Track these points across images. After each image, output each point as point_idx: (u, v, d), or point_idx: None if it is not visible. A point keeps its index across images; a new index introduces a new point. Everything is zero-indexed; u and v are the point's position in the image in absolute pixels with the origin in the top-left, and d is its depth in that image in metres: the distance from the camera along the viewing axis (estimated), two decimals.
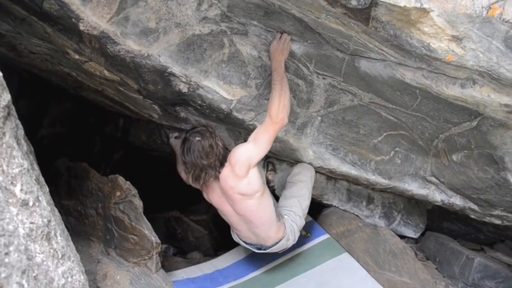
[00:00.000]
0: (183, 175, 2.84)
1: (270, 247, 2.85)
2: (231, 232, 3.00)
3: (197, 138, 2.53)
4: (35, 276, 1.48)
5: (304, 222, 3.00)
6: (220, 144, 2.57)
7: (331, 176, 3.36)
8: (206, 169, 2.56)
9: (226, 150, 2.60)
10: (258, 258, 3.27)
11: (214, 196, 2.74)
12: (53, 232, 1.76)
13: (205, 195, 2.83)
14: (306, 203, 3.03)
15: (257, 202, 2.65)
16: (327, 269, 3.18)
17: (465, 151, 2.67)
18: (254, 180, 2.60)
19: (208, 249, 3.97)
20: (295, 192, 3.00)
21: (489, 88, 2.03)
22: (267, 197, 2.71)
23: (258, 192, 2.63)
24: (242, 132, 3.00)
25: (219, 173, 2.59)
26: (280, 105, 2.47)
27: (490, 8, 1.69)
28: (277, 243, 2.82)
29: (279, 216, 2.80)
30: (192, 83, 2.55)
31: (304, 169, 3.07)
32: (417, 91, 2.41)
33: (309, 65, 2.63)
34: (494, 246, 3.76)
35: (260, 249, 2.89)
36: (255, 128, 2.81)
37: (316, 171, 3.18)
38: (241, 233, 2.85)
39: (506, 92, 1.99)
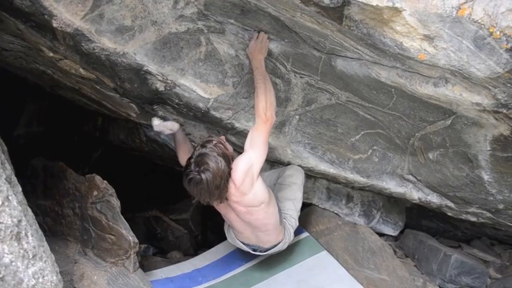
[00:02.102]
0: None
1: (267, 249, 2.88)
2: (226, 232, 2.98)
3: (206, 175, 2.39)
4: (1, 278, 1.46)
5: (297, 224, 3.03)
6: (225, 164, 2.43)
7: (311, 175, 3.37)
8: (212, 197, 2.48)
9: (230, 165, 2.50)
10: (238, 257, 3.27)
11: (219, 205, 2.67)
12: (23, 232, 1.74)
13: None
14: (300, 205, 3.06)
15: (263, 211, 2.63)
16: (306, 267, 3.20)
17: (441, 149, 2.70)
18: (259, 192, 2.57)
19: (188, 249, 3.96)
20: (290, 195, 3.02)
21: (461, 87, 2.06)
22: (273, 205, 2.70)
23: (263, 202, 2.61)
24: (221, 130, 2.99)
25: (226, 199, 2.55)
26: (267, 102, 2.46)
27: (460, 8, 1.72)
28: (275, 246, 2.85)
29: (281, 220, 2.82)
30: (168, 81, 2.54)
31: (296, 171, 3.08)
32: (392, 90, 2.43)
33: (286, 63, 2.63)
34: (471, 243, 3.82)
35: (256, 250, 2.90)
36: (233, 126, 2.81)
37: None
38: (242, 235, 2.83)
39: (477, 91, 2.02)
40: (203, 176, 2.37)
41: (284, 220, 2.88)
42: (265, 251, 2.90)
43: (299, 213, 3.05)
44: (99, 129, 4.34)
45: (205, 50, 2.55)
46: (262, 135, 2.50)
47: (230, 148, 2.56)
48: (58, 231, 3.09)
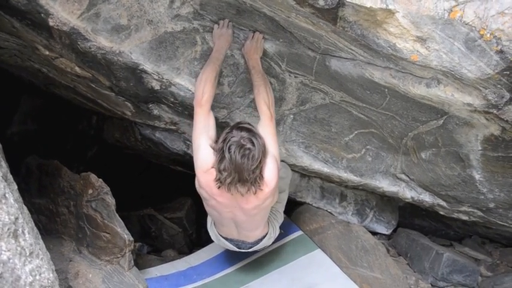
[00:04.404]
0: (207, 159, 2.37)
1: (251, 245, 2.78)
2: (210, 230, 2.90)
3: (250, 146, 2.20)
4: (0, 274, 1.47)
5: (283, 219, 3.00)
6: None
7: (305, 174, 3.39)
8: (245, 182, 2.26)
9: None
10: (232, 255, 3.28)
11: (220, 198, 2.44)
12: (20, 229, 1.75)
13: (204, 187, 2.46)
14: (286, 198, 3.04)
15: (264, 210, 2.55)
16: (300, 266, 3.22)
17: (433, 149, 2.74)
18: (277, 194, 2.52)
19: (182, 247, 3.96)
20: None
21: (453, 88, 2.09)
22: (273, 201, 2.59)
23: (272, 203, 2.56)
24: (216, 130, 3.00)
25: (254, 192, 2.32)
26: (269, 100, 2.47)
27: (452, 10, 1.75)
28: (259, 241, 2.77)
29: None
30: (164, 80, 2.55)
31: (283, 167, 3.06)
32: (386, 90, 2.46)
33: (281, 63, 2.65)
34: (463, 242, 3.87)
35: (240, 247, 2.81)
36: (228, 125, 2.82)
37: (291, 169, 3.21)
38: (227, 229, 2.70)
39: (469, 91, 2.06)
40: (255, 147, 2.20)
41: (270, 214, 2.78)
42: (249, 247, 2.79)
43: (284, 208, 3.01)
44: (94, 127, 4.34)
45: (200, 49, 2.56)
46: (273, 132, 2.43)
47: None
48: (53, 229, 3.08)
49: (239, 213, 2.51)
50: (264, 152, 2.25)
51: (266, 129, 2.42)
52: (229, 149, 2.19)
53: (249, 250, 2.84)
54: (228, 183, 2.26)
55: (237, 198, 2.38)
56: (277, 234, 2.92)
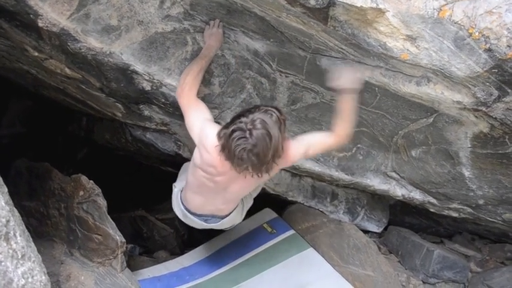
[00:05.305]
0: (210, 132, 2.27)
1: (220, 219, 2.66)
2: (176, 205, 2.75)
3: (264, 131, 2.07)
4: None
5: (252, 203, 2.90)
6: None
7: (296, 173, 3.41)
8: (259, 164, 2.14)
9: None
10: (224, 255, 3.29)
11: (222, 175, 2.34)
12: (12, 232, 1.73)
13: (210, 163, 2.32)
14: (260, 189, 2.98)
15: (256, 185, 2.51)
16: (292, 264, 3.23)
17: (423, 147, 2.76)
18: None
19: (174, 248, 3.95)
20: None
21: (442, 86, 2.11)
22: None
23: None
24: None
25: (259, 175, 2.22)
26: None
27: (441, 9, 1.77)
28: (229, 214, 2.66)
29: None
30: (155, 81, 2.55)
31: None
32: (376, 89, 2.48)
33: (271, 63, 2.66)
34: (453, 238, 3.91)
35: (208, 222, 2.67)
36: (220, 125, 2.82)
37: (281, 169, 3.22)
38: (198, 203, 2.58)
39: (458, 89, 2.08)
40: (264, 130, 2.07)
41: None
42: (218, 221, 2.67)
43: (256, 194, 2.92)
44: (84, 129, 4.30)
45: (191, 49, 2.56)
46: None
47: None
48: (43, 232, 3.06)
49: (237, 183, 2.41)
50: (280, 136, 2.14)
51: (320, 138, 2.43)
52: (250, 131, 2.07)
53: (216, 224, 2.70)
54: (244, 165, 2.13)
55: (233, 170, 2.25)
56: (243, 217, 2.83)
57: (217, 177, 2.38)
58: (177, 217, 2.87)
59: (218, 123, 2.78)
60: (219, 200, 2.56)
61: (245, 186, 2.48)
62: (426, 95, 2.21)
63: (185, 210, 2.69)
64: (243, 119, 2.09)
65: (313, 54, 2.49)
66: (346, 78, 2.30)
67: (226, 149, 2.12)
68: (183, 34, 2.51)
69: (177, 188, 2.80)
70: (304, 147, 2.37)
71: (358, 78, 2.32)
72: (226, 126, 2.16)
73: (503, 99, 2.02)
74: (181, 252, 3.71)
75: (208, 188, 2.47)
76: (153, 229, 4.09)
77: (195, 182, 2.50)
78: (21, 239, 1.77)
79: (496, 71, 1.88)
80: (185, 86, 2.41)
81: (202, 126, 2.33)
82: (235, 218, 2.77)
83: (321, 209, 3.64)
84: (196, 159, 2.40)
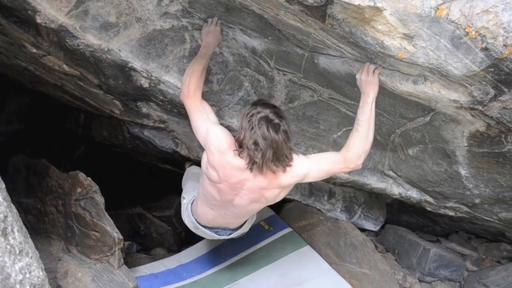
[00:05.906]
0: (225, 137, 2.28)
1: (231, 232, 2.71)
2: (186, 217, 2.76)
3: (279, 121, 2.11)
4: None
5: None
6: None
7: None
8: (279, 157, 2.15)
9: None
10: (222, 252, 3.30)
11: (230, 180, 2.32)
12: (9, 228, 1.74)
13: (216, 168, 2.31)
14: None
15: (270, 198, 2.45)
16: (289, 262, 3.25)
17: (420, 145, 2.77)
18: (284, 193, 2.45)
19: (171, 245, 3.97)
20: None
21: (439, 84, 2.12)
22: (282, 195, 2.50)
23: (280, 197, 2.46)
24: None
25: (272, 171, 2.22)
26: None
27: (438, 8, 1.77)
28: (239, 227, 2.71)
29: None
30: (153, 78, 2.55)
31: None
32: None
33: (269, 61, 2.67)
34: (449, 237, 3.93)
35: (219, 234, 2.72)
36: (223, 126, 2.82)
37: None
38: (209, 216, 2.60)
39: (455, 88, 2.09)
40: (285, 122, 2.12)
41: None
42: (229, 234, 2.72)
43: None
44: (82, 126, 4.30)
45: (189, 47, 2.56)
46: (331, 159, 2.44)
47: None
48: (41, 229, 3.07)
49: (241, 197, 2.41)
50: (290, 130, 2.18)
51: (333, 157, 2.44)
52: (259, 124, 2.08)
53: (227, 237, 2.75)
54: (263, 161, 2.14)
55: (255, 179, 2.28)
56: (253, 220, 2.85)
57: (219, 185, 2.37)
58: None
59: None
60: (228, 215, 2.58)
61: (249, 200, 2.42)
62: (423, 93, 2.21)
63: (196, 223, 2.71)
64: (265, 111, 2.11)
65: (311, 53, 2.49)
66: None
67: (248, 131, 2.11)
68: (181, 31, 2.51)
69: (185, 199, 2.80)
70: (310, 162, 2.36)
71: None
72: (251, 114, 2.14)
73: (499, 98, 2.03)
74: (179, 250, 3.72)
75: (216, 202, 2.48)
76: (150, 226, 4.10)
77: (204, 193, 2.52)
78: (18, 235, 1.77)
79: (493, 70, 1.88)
80: (191, 87, 2.39)
81: (208, 128, 2.35)
82: (245, 228, 2.80)
83: (318, 207, 3.65)
84: (203, 164, 2.41)
